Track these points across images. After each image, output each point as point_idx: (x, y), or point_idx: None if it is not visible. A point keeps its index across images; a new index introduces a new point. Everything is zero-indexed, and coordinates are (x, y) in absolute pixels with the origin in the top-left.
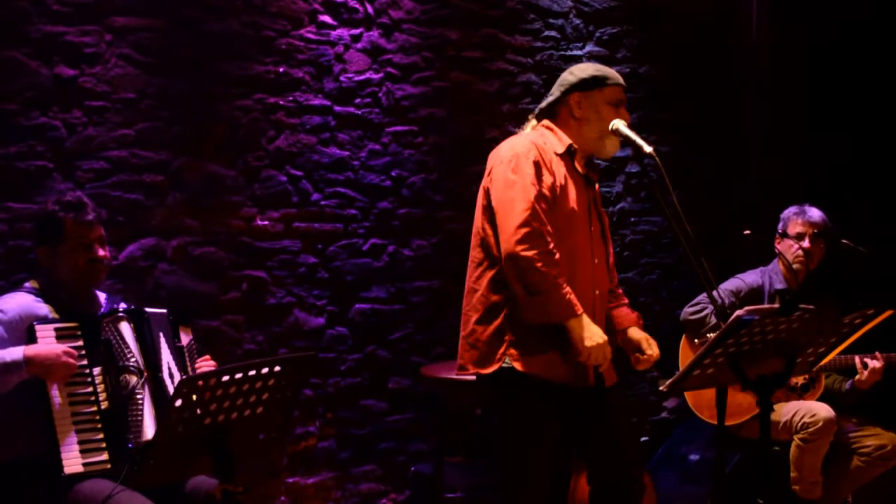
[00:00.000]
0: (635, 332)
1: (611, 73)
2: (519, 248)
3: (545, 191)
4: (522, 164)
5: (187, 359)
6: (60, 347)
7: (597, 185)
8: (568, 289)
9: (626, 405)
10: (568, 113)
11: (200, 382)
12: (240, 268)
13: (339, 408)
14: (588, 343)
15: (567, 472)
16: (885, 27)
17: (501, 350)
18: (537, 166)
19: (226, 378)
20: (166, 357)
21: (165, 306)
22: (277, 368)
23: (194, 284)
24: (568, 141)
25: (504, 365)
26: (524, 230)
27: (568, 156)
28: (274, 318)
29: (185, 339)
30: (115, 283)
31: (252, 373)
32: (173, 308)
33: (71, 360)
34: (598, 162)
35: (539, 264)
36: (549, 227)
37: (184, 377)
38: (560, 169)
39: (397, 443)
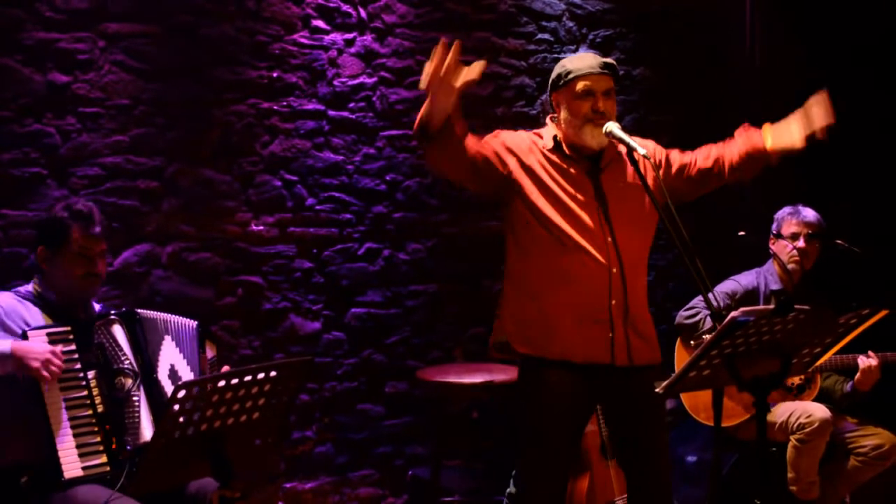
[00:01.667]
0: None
1: (577, 64)
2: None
3: (496, 153)
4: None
5: (208, 372)
6: (49, 348)
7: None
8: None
9: (651, 395)
10: (555, 112)
11: (196, 388)
12: (235, 273)
13: (336, 412)
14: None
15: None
16: (882, 25)
17: (500, 329)
18: (504, 147)
19: (222, 383)
20: (171, 359)
21: (162, 312)
22: (273, 374)
23: (190, 290)
24: (552, 133)
25: (503, 341)
26: None
27: (557, 146)
28: (270, 324)
29: (209, 353)
30: (110, 289)
31: (248, 378)
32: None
33: (57, 361)
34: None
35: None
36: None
37: (179, 383)
38: (546, 161)
39: (395, 447)
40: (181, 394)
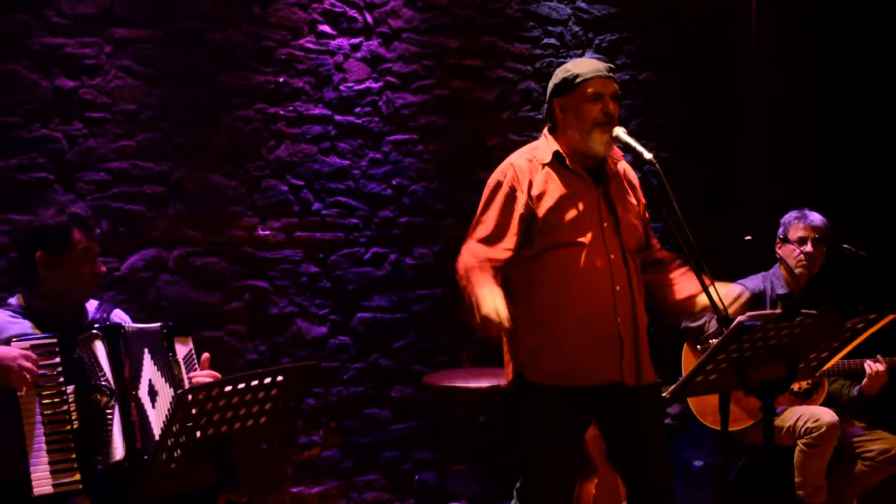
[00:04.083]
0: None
1: (584, 68)
2: (460, 270)
3: (515, 211)
4: (495, 191)
5: (183, 371)
6: (18, 351)
7: (625, 175)
8: (474, 282)
9: (658, 408)
10: (556, 119)
11: (202, 394)
12: (242, 278)
13: (343, 417)
14: (478, 314)
15: (573, 474)
16: (886, 25)
17: (513, 360)
18: (510, 192)
19: (228, 388)
20: (148, 374)
21: (168, 317)
22: (280, 378)
23: (196, 295)
24: (553, 149)
25: (517, 372)
26: (467, 260)
27: (557, 162)
28: (276, 328)
29: (182, 350)
30: (117, 294)
31: (254, 383)
32: (173, 319)
33: (29, 364)
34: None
35: (467, 288)
36: (491, 255)
37: (178, 392)
38: (548, 178)
39: (401, 451)
40: (188, 398)
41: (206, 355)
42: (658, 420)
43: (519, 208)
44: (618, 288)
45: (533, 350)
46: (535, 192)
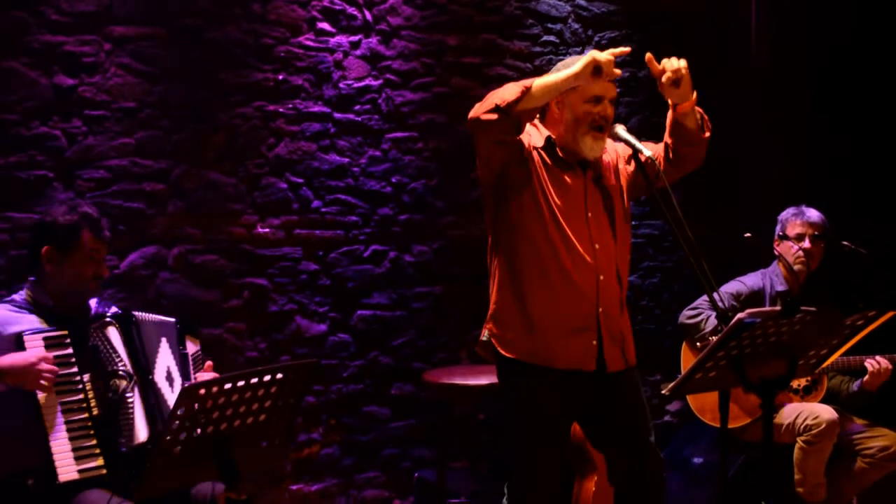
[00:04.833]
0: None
1: None
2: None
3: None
4: None
5: (191, 367)
6: (35, 354)
7: (611, 166)
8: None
9: (637, 390)
10: (549, 111)
11: (203, 390)
12: (241, 275)
13: (343, 414)
14: (578, 65)
15: (568, 469)
16: (885, 26)
17: (486, 328)
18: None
19: (228, 385)
20: (166, 361)
21: (167, 315)
22: (280, 376)
23: (196, 292)
24: (546, 134)
25: (488, 339)
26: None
27: (549, 147)
28: (276, 326)
29: (192, 348)
30: (116, 291)
31: (254, 380)
32: (172, 317)
33: (47, 366)
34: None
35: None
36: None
37: (185, 385)
38: (539, 161)
39: (401, 449)
40: (187, 396)
41: (209, 363)
42: (640, 402)
43: (521, 145)
44: (602, 277)
45: (502, 321)
46: (533, 162)
